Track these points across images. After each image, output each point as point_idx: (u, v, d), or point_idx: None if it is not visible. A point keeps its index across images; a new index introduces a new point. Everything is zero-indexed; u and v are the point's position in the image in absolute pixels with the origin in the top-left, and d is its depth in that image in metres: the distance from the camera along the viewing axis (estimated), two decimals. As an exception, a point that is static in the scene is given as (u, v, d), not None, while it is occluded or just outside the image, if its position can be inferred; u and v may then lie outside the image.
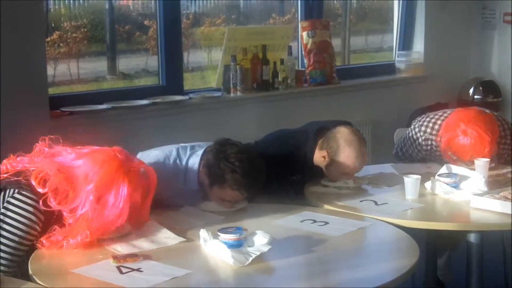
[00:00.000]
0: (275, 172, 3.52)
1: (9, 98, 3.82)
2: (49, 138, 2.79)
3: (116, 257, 2.54)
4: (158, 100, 4.62)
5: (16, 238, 2.61)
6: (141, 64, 5.31)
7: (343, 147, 3.49)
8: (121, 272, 2.45)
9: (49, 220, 2.67)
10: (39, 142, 2.81)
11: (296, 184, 3.62)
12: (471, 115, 3.72)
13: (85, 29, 4.90)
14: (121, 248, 2.66)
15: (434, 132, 3.88)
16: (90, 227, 2.63)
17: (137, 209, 2.74)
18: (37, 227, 2.64)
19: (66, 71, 4.87)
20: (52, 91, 4.37)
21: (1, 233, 2.61)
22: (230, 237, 2.59)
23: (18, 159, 2.80)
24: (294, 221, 3.04)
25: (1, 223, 2.62)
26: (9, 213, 2.63)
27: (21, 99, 3.88)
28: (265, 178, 3.20)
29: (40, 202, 2.61)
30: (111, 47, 5.18)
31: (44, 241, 2.64)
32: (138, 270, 2.47)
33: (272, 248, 2.59)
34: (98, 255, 2.61)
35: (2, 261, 2.61)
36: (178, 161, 3.26)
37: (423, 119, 3.99)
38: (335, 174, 3.56)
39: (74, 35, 4.84)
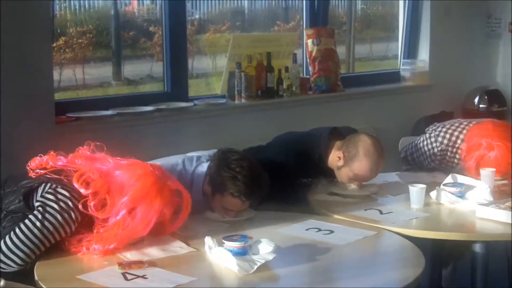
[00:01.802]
0: (287, 175, 3.53)
1: (15, 103, 3.82)
2: (94, 144, 2.85)
3: (121, 264, 2.55)
4: (163, 107, 4.61)
5: (48, 230, 2.63)
6: (146, 70, 5.32)
7: (360, 156, 3.51)
8: (126, 279, 2.46)
9: (80, 223, 2.70)
10: (84, 146, 2.86)
11: (308, 186, 3.63)
12: (490, 128, 3.72)
13: (91, 35, 4.90)
14: (130, 255, 2.67)
15: (451, 144, 3.88)
16: (118, 236, 2.66)
17: (163, 225, 2.79)
18: (72, 226, 2.67)
19: (71, 77, 4.88)
20: (57, 96, 4.37)
21: (34, 221, 2.62)
22: (235, 245, 2.59)
23: (59, 157, 2.83)
24: (299, 230, 3.04)
25: (42, 209, 2.63)
26: (49, 203, 2.66)
27: (27, 104, 3.88)
28: (268, 186, 3.19)
29: (80, 203, 2.65)
30: (116, 53, 5.18)
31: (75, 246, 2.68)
32: (143, 277, 2.47)
33: (277, 256, 2.59)
34: (103, 261, 2.62)
35: (26, 250, 2.61)
36: (184, 172, 3.27)
37: (439, 129, 3.97)
38: (345, 178, 3.57)
39: (80, 40, 4.84)
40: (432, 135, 3.96)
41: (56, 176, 2.75)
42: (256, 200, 3.20)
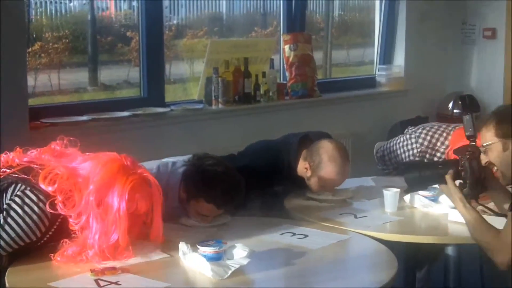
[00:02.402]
0: (258, 184, 3.54)
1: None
2: (68, 139, 2.80)
3: (94, 270, 2.53)
4: (139, 112, 4.60)
5: (9, 235, 2.58)
6: (123, 75, 5.30)
7: (325, 162, 3.51)
8: (99, 286, 2.44)
9: (51, 225, 2.64)
10: (57, 140, 2.81)
11: (279, 195, 3.64)
12: None
13: (67, 40, 4.88)
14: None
15: (430, 146, 3.93)
16: (95, 236, 2.59)
17: (141, 220, 2.72)
18: (37, 232, 2.61)
19: (47, 82, 4.85)
20: (32, 102, 4.34)
21: (1, 223, 2.58)
22: (209, 250, 2.59)
23: (26, 153, 2.78)
24: (273, 234, 3.05)
25: (5, 213, 2.59)
26: (15, 207, 2.60)
27: (0, 109, 3.85)
28: (243, 192, 3.18)
29: (47, 204, 2.59)
30: (92, 58, 5.16)
31: (59, 258, 2.62)
32: (116, 283, 2.46)
33: (252, 261, 2.60)
34: (76, 268, 2.60)
35: None
36: (158, 178, 3.24)
37: (420, 130, 4.04)
38: (315, 187, 3.58)
39: (56, 45, 4.82)
40: (413, 136, 4.01)
41: (24, 176, 2.68)
42: (232, 205, 3.19)
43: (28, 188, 2.64)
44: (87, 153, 2.77)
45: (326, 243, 2.93)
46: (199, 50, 5.35)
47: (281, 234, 3.05)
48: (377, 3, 6.29)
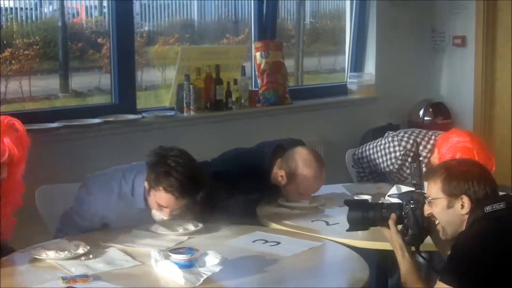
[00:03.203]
0: (232, 191, 3.54)
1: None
2: None
3: (65, 278, 2.52)
4: (110, 119, 4.58)
5: None
6: (94, 82, 5.27)
7: (301, 168, 3.53)
8: (70, 293, 2.43)
9: None
10: None
11: (253, 202, 3.64)
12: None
13: (37, 47, 4.85)
14: (74, 269, 2.64)
15: (413, 149, 3.94)
16: None
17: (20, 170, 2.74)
18: None
19: (17, 89, 4.80)
20: (3, 108, 4.30)
21: None
22: (181, 258, 2.59)
23: None
24: (246, 241, 3.06)
25: None
26: None
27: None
28: (204, 187, 3.14)
29: None
30: (63, 64, 5.13)
31: None
32: (88, 291, 2.45)
33: (224, 268, 2.60)
34: (47, 275, 2.59)
35: None
36: (124, 183, 3.25)
37: (402, 133, 4.08)
38: (292, 194, 3.59)
39: (26, 52, 4.78)
40: (395, 139, 4.04)
41: None
42: (191, 198, 3.13)
43: None
44: None
45: (298, 250, 2.94)
46: (171, 57, 5.34)
47: (253, 241, 3.05)
48: (348, 11, 6.33)
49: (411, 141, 3.99)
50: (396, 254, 2.79)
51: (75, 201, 3.33)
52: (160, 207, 3.13)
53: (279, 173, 3.60)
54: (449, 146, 3.81)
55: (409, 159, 3.94)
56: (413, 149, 3.94)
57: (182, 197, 3.09)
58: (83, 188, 3.35)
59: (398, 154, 4.00)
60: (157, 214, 3.16)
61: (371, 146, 4.16)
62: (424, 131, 4.09)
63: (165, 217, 3.14)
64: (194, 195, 3.12)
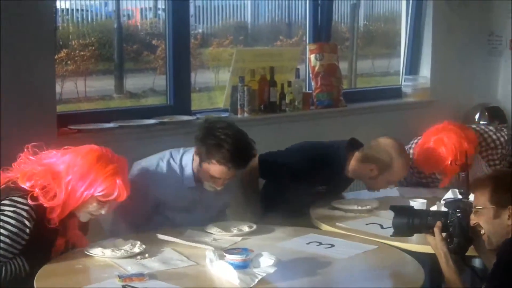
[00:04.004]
0: (303, 181, 3.56)
1: (17, 115, 3.83)
2: (33, 146, 2.85)
3: (121, 277, 2.55)
4: (165, 120, 4.62)
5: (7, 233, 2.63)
6: (148, 83, 5.33)
7: (396, 158, 3.61)
8: (126, 292, 2.46)
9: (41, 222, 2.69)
10: (24, 150, 2.86)
11: (322, 194, 3.65)
12: (441, 126, 3.88)
13: (93, 48, 4.92)
14: (130, 268, 2.67)
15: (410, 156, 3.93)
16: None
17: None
18: (27, 226, 2.66)
19: (73, 89, 4.88)
20: (59, 108, 4.36)
21: None
22: (236, 258, 2.59)
23: (4, 174, 2.84)
24: (300, 243, 3.05)
25: None
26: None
27: (29, 116, 3.89)
28: (253, 156, 3.25)
29: (28, 197, 2.65)
30: (118, 66, 5.20)
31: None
32: (143, 290, 2.47)
33: (278, 269, 2.60)
34: (103, 274, 2.62)
35: None
36: (172, 160, 3.33)
37: (412, 141, 4.12)
38: (382, 184, 3.68)
39: (82, 53, 4.86)
40: (407, 148, 4.03)
41: (3, 186, 2.75)
42: (243, 167, 3.24)
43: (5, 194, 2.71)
44: (66, 147, 2.85)
45: (352, 253, 2.93)
46: (225, 58, 5.36)
47: (308, 243, 3.05)
48: (403, 13, 6.27)
49: (410, 150, 4.00)
50: (440, 262, 2.78)
51: None
52: (213, 178, 3.21)
53: (367, 167, 3.62)
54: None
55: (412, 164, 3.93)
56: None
57: (235, 167, 3.17)
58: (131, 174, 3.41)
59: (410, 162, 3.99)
60: (209, 186, 3.25)
61: None
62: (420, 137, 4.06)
63: (218, 188, 3.23)
64: (246, 164, 3.22)
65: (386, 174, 3.61)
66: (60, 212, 2.70)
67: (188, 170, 3.30)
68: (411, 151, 3.99)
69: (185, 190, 3.31)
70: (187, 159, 3.32)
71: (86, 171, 2.70)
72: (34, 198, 2.66)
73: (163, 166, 3.34)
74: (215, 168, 3.16)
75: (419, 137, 4.06)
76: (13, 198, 2.69)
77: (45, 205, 2.67)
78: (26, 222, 2.65)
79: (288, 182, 3.61)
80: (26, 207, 2.66)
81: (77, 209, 2.76)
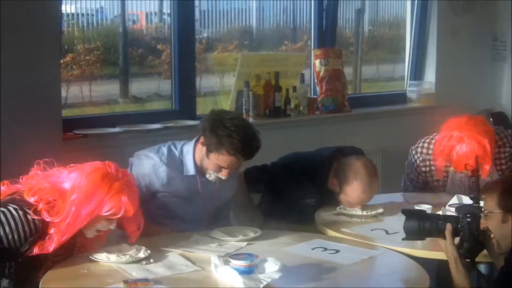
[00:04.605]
0: (290, 195, 3.55)
1: (23, 119, 3.83)
2: (44, 162, 2.85)
3: (126, 282, 2.54)
4: (170, 125, 4.63)
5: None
6: (153, 88, 5.33)
7: (350, 180, 3.52)
8: (132, 296, 2.46)
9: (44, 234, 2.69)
10: (34, 166, 2.87)
11: (310, 208, 3.64)
12: (463, 121, 3.75)
13: (98, 52, 4.92)
14: (135, 273, 2.67)
15: (430, 152, 3.93)
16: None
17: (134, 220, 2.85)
18: (19, 234, 2.66)
19: (78, 94, 4.89)
20: (64, 113, 4.38)
21: None
22: (241, 264, 2.59)
23: (12, 185, 2.85)
24: (305, 249, 3.04)
25: None
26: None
27: (35, 121, 3.89)
28: (259, 146, 3.30)
29: (31, 210, 2.67)
30: (123, 70, 5.20)
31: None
32: (149, 294, 2.47)
33: (283, 275, 2.60)
34: (108, 279, 2.62)
35: None
36: (172, 146, 3.43)
37: (419, 141, 4.07)
38: (344, 203, 3.61)
39: (87, 57, 4.86)
40: (413, 148, 4.04)
41: (10, 197, 2.77)
42: (251, 157, 3.30)
43: (12, 203, 2.72)
44: (72, 165, 2.83)
45: (357, 259, 2.92)
46: (230, 63, 5.37)
47: (313, 249, 3.04)
48: (408, 19, 6.28)
49: (425, 145, 3.99)
50: (450, 266, 2.77)
51: None
52: (220, 168, 3.27)
53: (333, 181, 3.60)
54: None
55: (431, 162, 3.91)
56: (429, 152, 3.90)
57: (244, 157, 3.27)
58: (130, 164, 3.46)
59: (418, 162, 4.00)
60: (214, 176, 3.31)
61: (406, 164, 4.13)
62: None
63: (224, 177, 3.30)
64: (253, 154, 3.29)
65: (344, 193, 3.55)
66: (64, 233, 2.70)
67: (189, 158, 3.38)
68: (431, 146, 3.93)
69: (184, 177, 3.37)
70: (188, 148, 3.40)
71: (91, 191, 2.70)
72: (37, 213, 2.68)
73: (164, 150, 3.42)
74: (225, 158, 3.24)
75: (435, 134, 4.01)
76: (19, 203, 2.71)
77: (47, 219, 2.67)
78: (29, 217, 2.68)
79: (271, 196, 3.62)
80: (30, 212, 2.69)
81: (84, 228, 2.77)
